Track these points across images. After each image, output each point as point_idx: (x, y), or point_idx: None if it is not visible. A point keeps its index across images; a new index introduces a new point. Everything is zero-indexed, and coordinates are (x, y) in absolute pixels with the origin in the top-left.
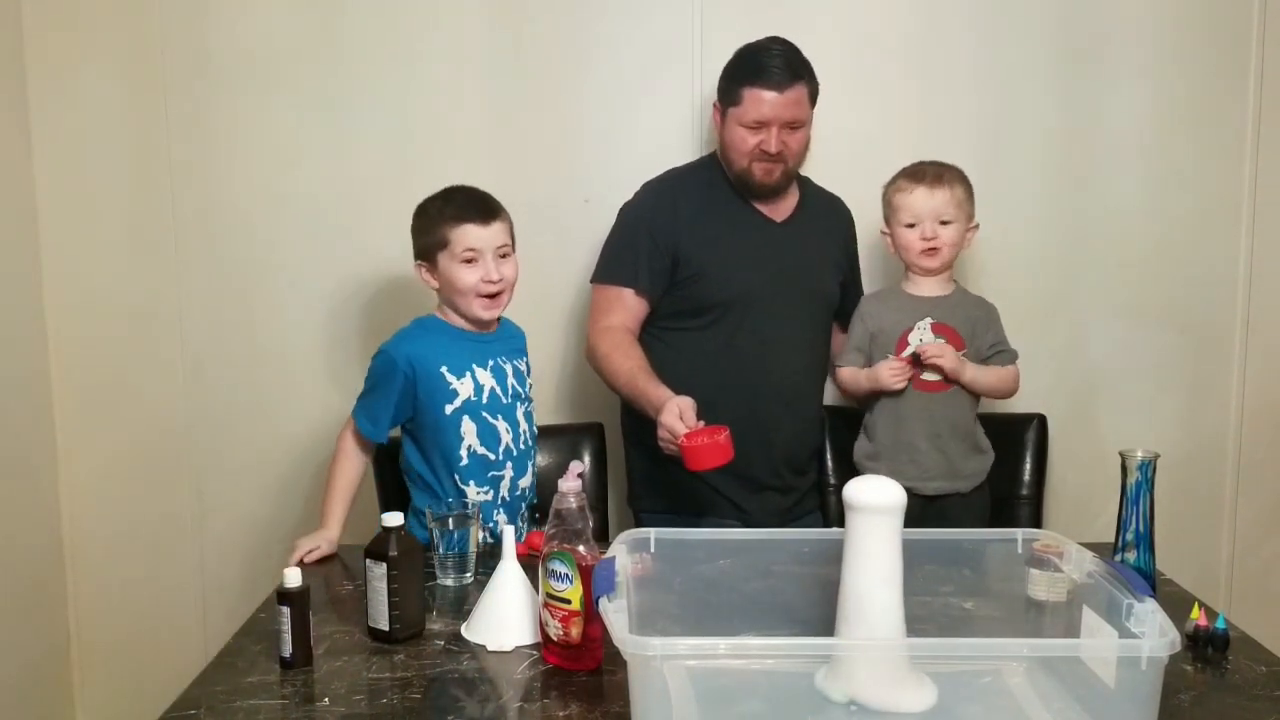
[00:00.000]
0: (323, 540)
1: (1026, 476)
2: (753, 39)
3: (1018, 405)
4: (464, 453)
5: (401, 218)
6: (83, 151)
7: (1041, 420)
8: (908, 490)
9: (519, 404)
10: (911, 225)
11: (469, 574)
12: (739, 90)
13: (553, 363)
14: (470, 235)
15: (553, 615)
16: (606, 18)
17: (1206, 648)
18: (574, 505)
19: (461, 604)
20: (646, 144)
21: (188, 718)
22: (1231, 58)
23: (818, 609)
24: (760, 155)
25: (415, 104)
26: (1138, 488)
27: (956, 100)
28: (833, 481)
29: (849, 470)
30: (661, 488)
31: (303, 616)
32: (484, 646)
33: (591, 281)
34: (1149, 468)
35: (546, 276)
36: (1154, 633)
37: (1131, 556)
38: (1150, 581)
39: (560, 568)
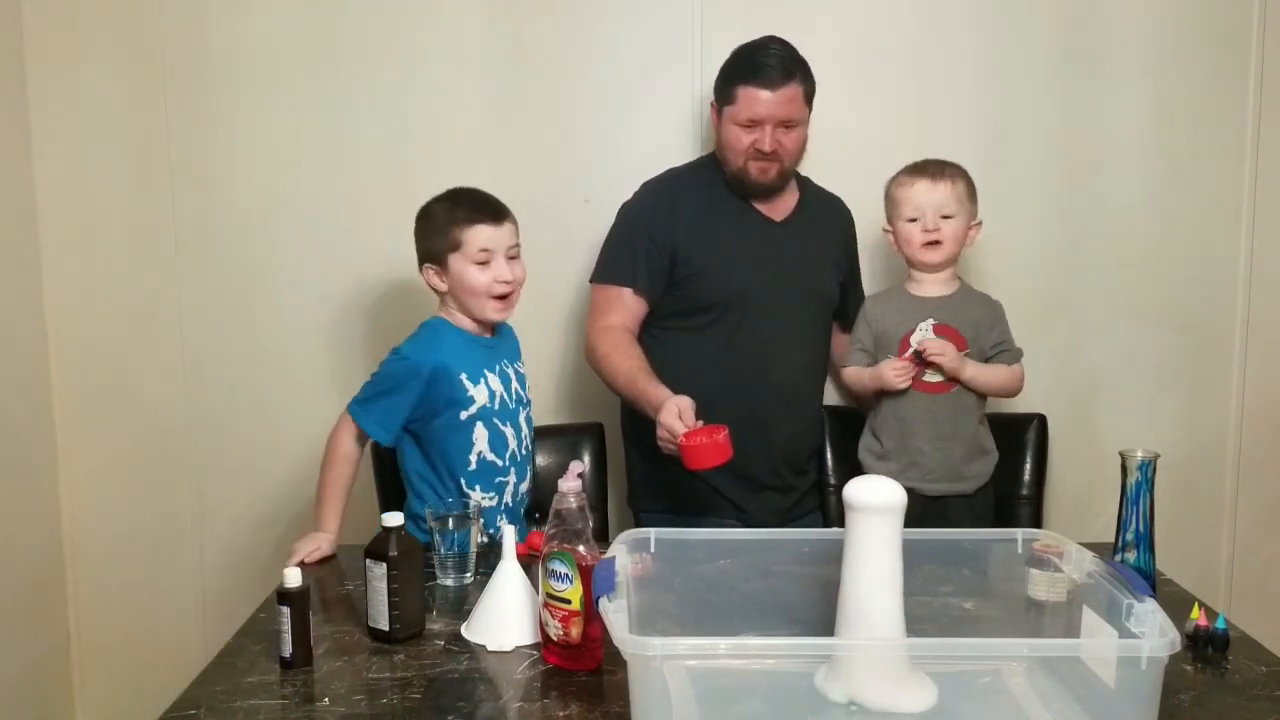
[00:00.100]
0: (322, 541)
1: (1026, 476)
2: (752, 39)
3: (1018, 405)
4: (473, 458)
5: (401, 218)
6: (83, 151)
7: (1041, 420)
8: (910, 490)
9: (522, 409)
10: (913, 220)
11: (469, 574)
12: (734, 89)
13: (552, 363)
14: (483, 236)
15: (553, 615)
16: (606, 18)
17: (1206, 648)
18: (574, 505)
19: (461, 604)
20: (646, 144)
21: (188, 718)
22: (1231, 58)
23: (818, 609)
24: (755, 154)
25: (415, 104)
26: (1138, 488)
27: (956, 100)
28: (833, 481)
29: (849, 470)
30: (661, 488)
31: (303, 616)
32: (484, 646)
33: (591, 281)
34: (1149, 468)
35: (546, 276)
36: (1154, 633)
37: (1131, 556)
38: (1150, 581)
39: (560, 568)
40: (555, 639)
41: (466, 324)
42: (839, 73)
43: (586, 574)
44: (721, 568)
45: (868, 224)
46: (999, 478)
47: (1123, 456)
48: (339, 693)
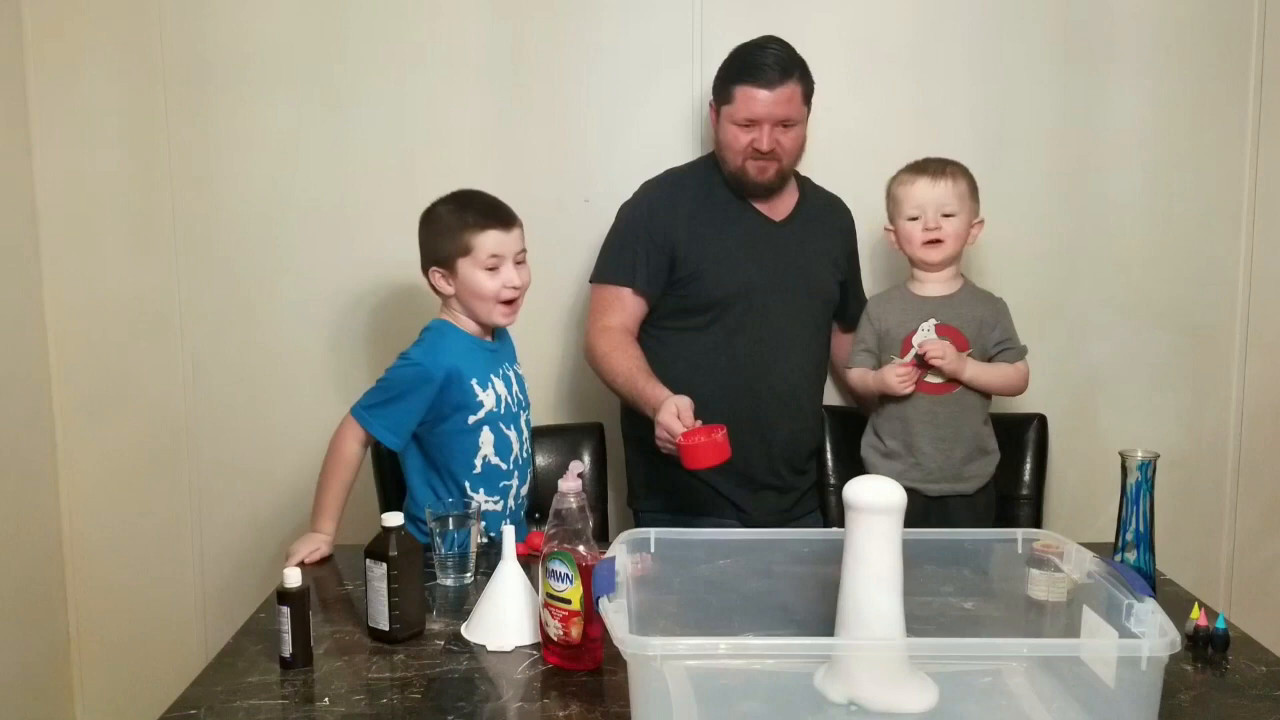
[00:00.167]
0: (320, 542)
1: (1026, 476)
2: (751, 39)
3: (1018, 405)
4: (478, 462)
5: (401, 218)
6: (83, 151)
7: (1041, 420)
8: (911, 490)
9: (523, 411)
10: (914, 218)
11: (469, 574)
12: (731, 89)
13: (552, 363)
14: (493, 241)
15: (553, 615)
16: (606, 18)
17: (1206, 648)
18: (574, 505)
19: (461, 604)
20: (646, 144)
21: (188, 718)
22: (1231, 58)
23: (818, 609)
24: (753, 153)
25: (415, 104)
26: (1138, 488)
27: (956, 100)
28: (833, 481)
29: (849, 470)
30: (661, 488)
31: (303, 616)
32: (484, 646)
33: (590, 281)
34: (1149, 468)
35: (546, 276)
36: (1154, 633)
37: (1131, 556)
38: (1150, 581)
39: (560, 568)
40: (555, 639)
41: (470, 327)
42: (839, 73)
43: (586, 574)
44: (721, 568)
45: (868, 223)
46: (999, 477)
47: (1123, 456)
48: (339, 693)
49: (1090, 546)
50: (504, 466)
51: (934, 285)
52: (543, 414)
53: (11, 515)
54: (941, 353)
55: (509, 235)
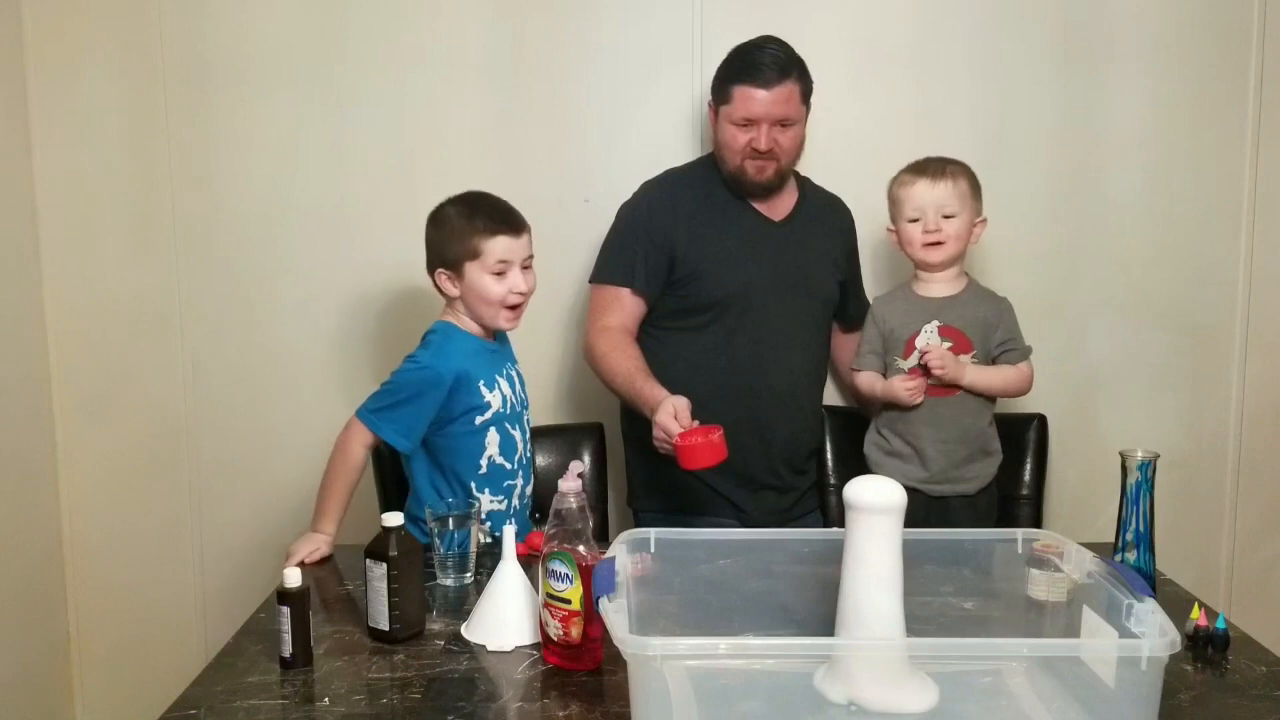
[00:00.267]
0: (320, 542)
1: (1026, 476)
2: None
3: (1018, 405)
4: (484, 463)
5: (401, 217)
6: (83, 151)
7: (1041, 420)
8: (913, 490)
9: (524, 412)
10: (915, 220)
11: (469, 574)
12: (729, 89)
13: (552, 363)
14: (502, 247)
15: (553, 615)
16: (606, 18)
17: (1206, 648)
18: (574, 505)
19: (461, 604)
20: (646, 144)
21: (188, 718)
22: (1231, 58)
23: (818, 609)
24: (751, 153)
25: (415, 104)
26: (1138, 488)
27: (957, 100)
28: (833, 481)
29: (849, 470)
30: (660, 487)
31: (303, 616)
32: (484, 646)
33: (590, 281)
34: (1149, 468)
35: (546, 276)
36: (1154, 633)
37: (1131, 556)
38: (1150, 581)
39: (560, 568)
40: (555, 639)
41: (473, 329)
42: (839, 73)
43: (586, 574)
44: (721, 568)
45: (869, 223)
46: (999, 478)
47: (1123, 456)
48: (339, 693)
49: (1090, 546)
50: (508, 466)
51: (938, 286)
52: (543, 414)
53: (11, 515)
54: (942, 363)
55: (518, 241)
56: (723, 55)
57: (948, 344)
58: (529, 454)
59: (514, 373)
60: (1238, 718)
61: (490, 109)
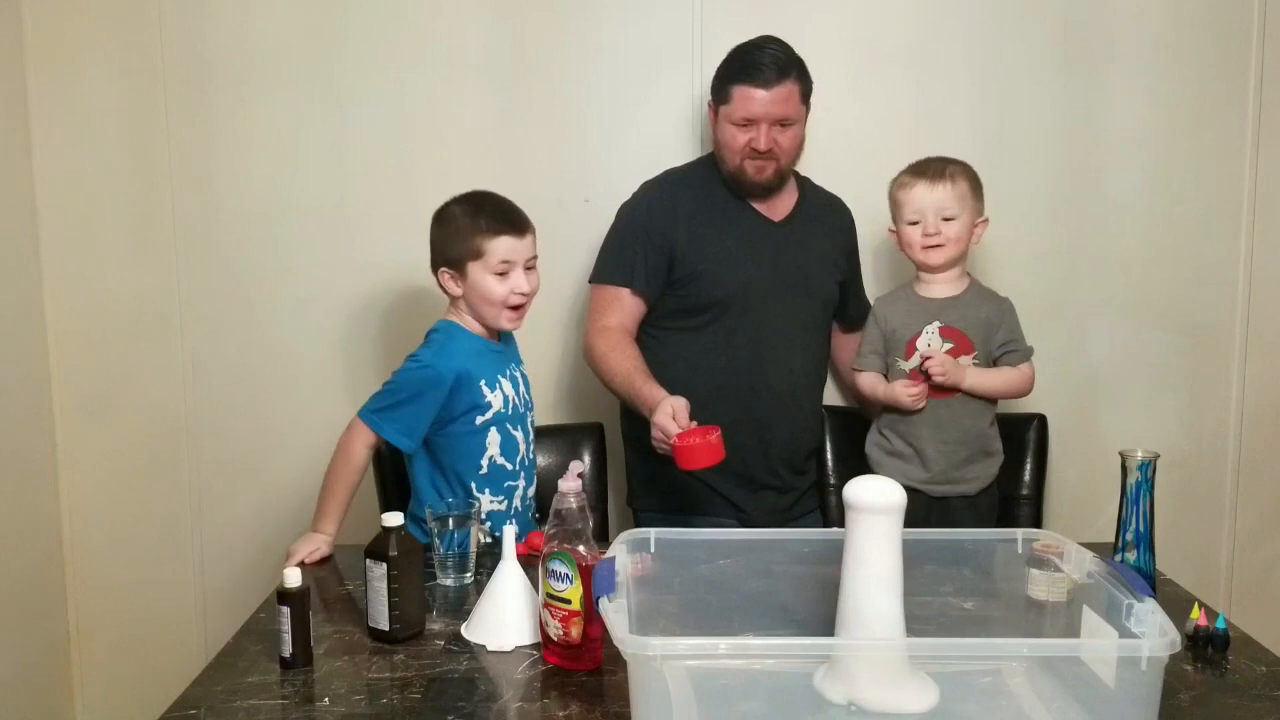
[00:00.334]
0: (320, 542)
1: (1026, 476)
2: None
3: (1018, 405)
4: (484, 463)
5: (401, 218)
6: (83, 151)
7: (1041, 420)
8: (914, 491)
9: (529, 413)
10: (914, 223)
11: (469, 574)
12: (729, 89)
13: (553, 363)
14: (505, 247)
15: (553, 615)
16: (606, 18)
17: (1206, 648)
18: (574, 505)
19: (461, 604)
20: (646, 144)
21: (188, 718)
22: (1231, 58)
23: (818, 609)
24: (751, 153)
25: (415, 104)
26: (1138, 488)
27: (957, 101)
28: (833, 481)
29: (849, 470)
30: (660, 487)
31: (303, 616)
32: (484, 646)
33: (590, 281)
34: (1149, 468)
35: (546, 276)
36: (1154, 633)
37: (1131, 556)
38: (1150, 581)
39: (560, 568)
40: (555, 639)
41: (476, 328)
42: (839, 73)
43: (586, 574)
44: (721, 568)
45: (869, 223)
46: (1000, 477)
47: (1123, 456)
48: (339, 693)
49: (1090, 546)
50: (510, 467)
51: (939, 286)
52: (543, 414)
53: (11, 515)
54: (943, 370)
55: (521, 242)
56: (723, 55)
57: (948, 345)
58: (531, 456)
59: (518, 374)
60: (1238, 718)
61: (490, 109)
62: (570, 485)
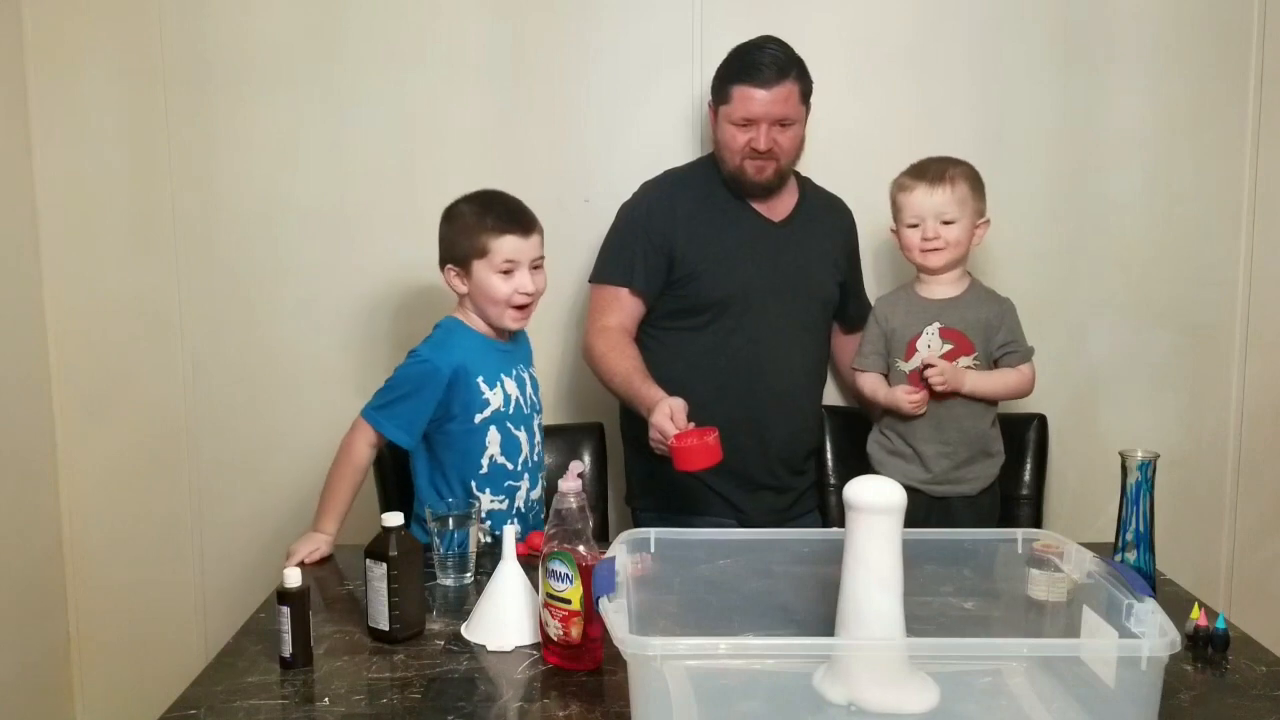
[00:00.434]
0: (320, 542)
1: (1026, 476)
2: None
3: (1018, 405)
4: (484, 462)
5: (401, 217)
6: (83, 151)
7: (1041, 420)
8: (915, 491)
9: (535, 415)
10: (914, 225)
11: (469, 574)
12: (729, 89)
13: (553, 363)
14: (510, 247)
15: (553, 615)
16: (606, 18)
17: (1206, 648)
18: (574, 505)
19: (461, 604)
20: (646, 144)
21: (188, 718)
22: (1231, 58)
23: (817, 609)
24: (751, 153)
25: (415, 104)
26: (1138, 488)
27: (957, 101)
28: (833, 481)
29: (849, 470)
30: (658, 486)
31: (303, 616)
32: (484, 646)
33: (590, 281)
34: (1149, 468)
35: (547, 276)
36: (1154, 633)
37: (1131, 556)
38: (1150, 581)
39: (560, 568)
40: (555, 639)
41: (481, 327)
42: (839, 73)
43: (586, 574)
44: (721, 568)
45: (869, 224)
46: (1000, 477)
47: (1123, 456)
48: (339, 693)
49: (1090, 546)
50: (511, 467)
51: (939, 287)
52: (543, 414)
53: (11, 515)
54: (943, 379)
55: (527, 241)
56: (723, 55)
57: (948, 346)
58: (537, 458)
59: (526, 375)
60: (1238, 718)
61: (490, 109)
62: (570, 485)
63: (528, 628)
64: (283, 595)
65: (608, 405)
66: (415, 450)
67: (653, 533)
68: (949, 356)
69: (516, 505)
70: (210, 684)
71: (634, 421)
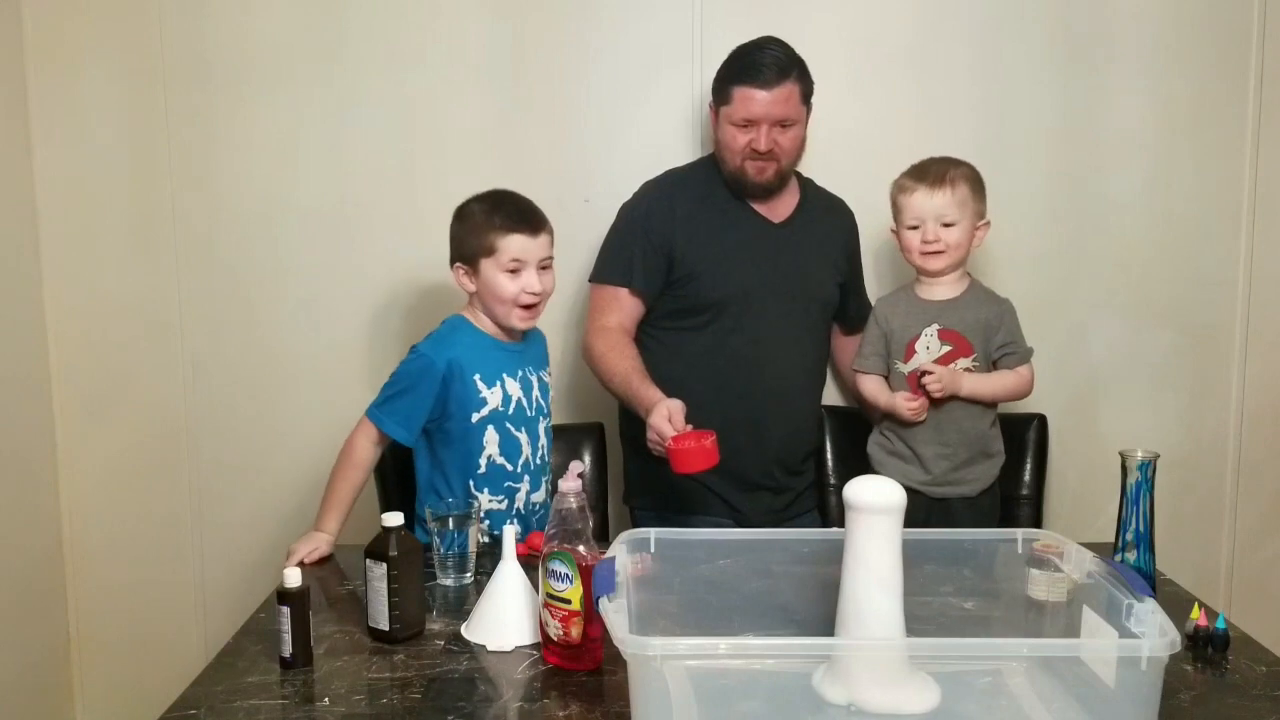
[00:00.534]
0: (320, 541)
1: (1026, 476)
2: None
3: (1018, 405)
4: (483, 461)
5: (401, 218)
6: (83, 151)
7: (1041, 420)
8: (914, 491)
9: (541, 418)
10: (914, 227)
11: (469, 574)
12: (729, 89)
13: (553, 363)
14: (517, 246)
15: (553, 615)
16: (606, 18)
17: (1206, 648)
18: (574, 505)
19: (461, 604)
20: (646, 144)
21: (188, 718)
22: (1231, 58)
23: (817, 609)
24: (751, 154)
25: (415, 104)
26: (1138, 488)
27: (957, 100)
28: (833, 481)
29: (850, 470)
30: (656, 486)
31: (303, 616)
32: (484, 646)
33: (589, 281)
34: (1149, 468)
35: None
36: (1154, 633)
37: (1131, 556)
38: (1150, 581)
39: (560, 568)
40: (555, 639)
41: (489, 326)
42: (839, 73)
43: (586, 574)
44: (721, 568)
45: (870, 224)
46: (1000, 478)
47: (1123, 456)
48: (339, 693)
49: (1090, 546)
50: (510, 468)
51: (939, 288)
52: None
53: (11, 515)
54: (940, 388)
55: (535, 241)
56: (723, 55)
57: (947, 347)
58: (541, 461)
59: (534, 376)
60: (1238, 718)
61: (490, 109)
62: (570, 485)
63: (528, 628)
64: (283, 595)
65: (608, 405)
66: (417, 449)
67: (653, 533)
68: (947, 358)
69: (516, 506)
70: (210, 684)
71: (632, 421)
